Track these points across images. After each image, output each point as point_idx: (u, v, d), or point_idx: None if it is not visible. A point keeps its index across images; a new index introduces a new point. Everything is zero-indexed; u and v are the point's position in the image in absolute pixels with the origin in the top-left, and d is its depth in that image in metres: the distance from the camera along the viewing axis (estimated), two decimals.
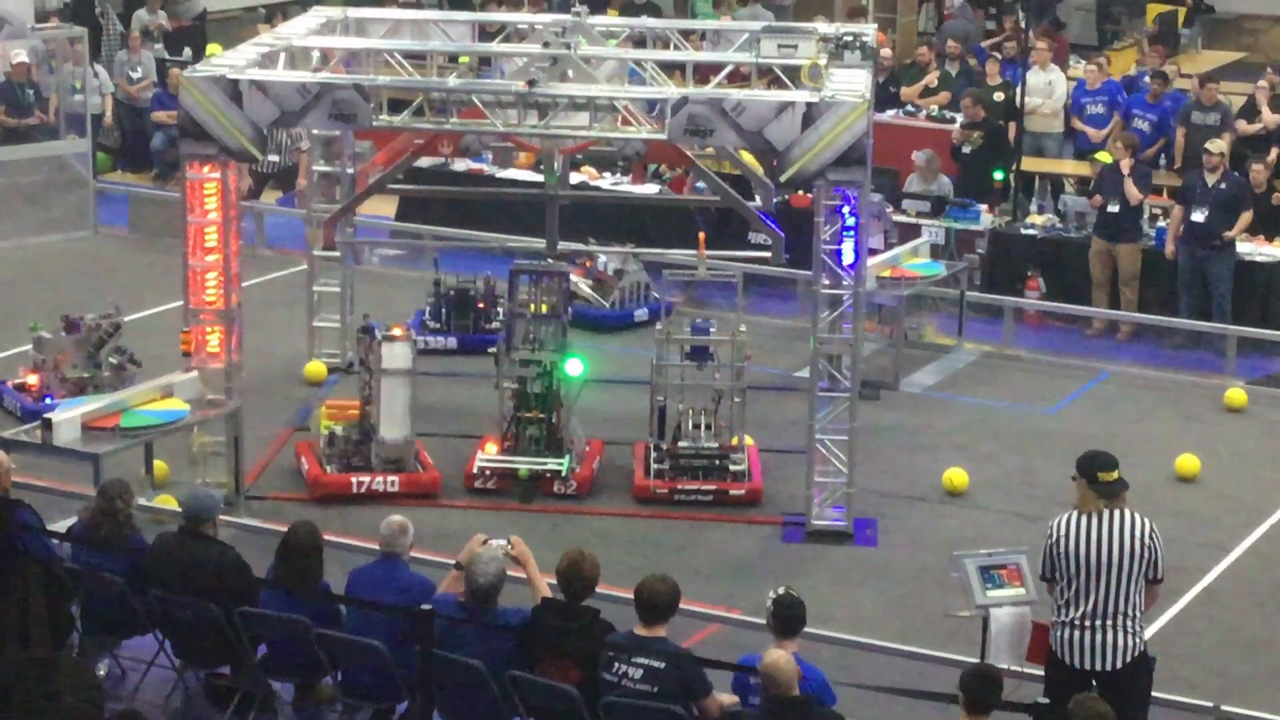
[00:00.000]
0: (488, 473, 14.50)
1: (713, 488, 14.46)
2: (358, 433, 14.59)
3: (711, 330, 14.83)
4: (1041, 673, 10.18)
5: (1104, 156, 19.12)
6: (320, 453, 14.63)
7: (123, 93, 23.44)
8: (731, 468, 14.55)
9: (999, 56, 22.51)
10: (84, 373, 15.24)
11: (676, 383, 14.75)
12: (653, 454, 14.69)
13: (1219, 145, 18.56)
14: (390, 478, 14.43)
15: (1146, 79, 21.81)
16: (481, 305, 17.66)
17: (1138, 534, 9.91)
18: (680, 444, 14.62)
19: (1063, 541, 9.93)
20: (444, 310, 17.65)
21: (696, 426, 14.69)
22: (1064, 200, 19.99)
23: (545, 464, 14.47)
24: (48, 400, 14.94)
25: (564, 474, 14.46)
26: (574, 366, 14.63)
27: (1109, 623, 9.90)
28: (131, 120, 23.59)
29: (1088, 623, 9.91)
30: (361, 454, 14.54)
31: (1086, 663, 9.93)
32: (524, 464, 14.46)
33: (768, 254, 15.83)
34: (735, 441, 14.61)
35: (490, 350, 15.29)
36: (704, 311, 16.22)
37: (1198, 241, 18.05)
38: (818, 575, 13.33)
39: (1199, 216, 18.01)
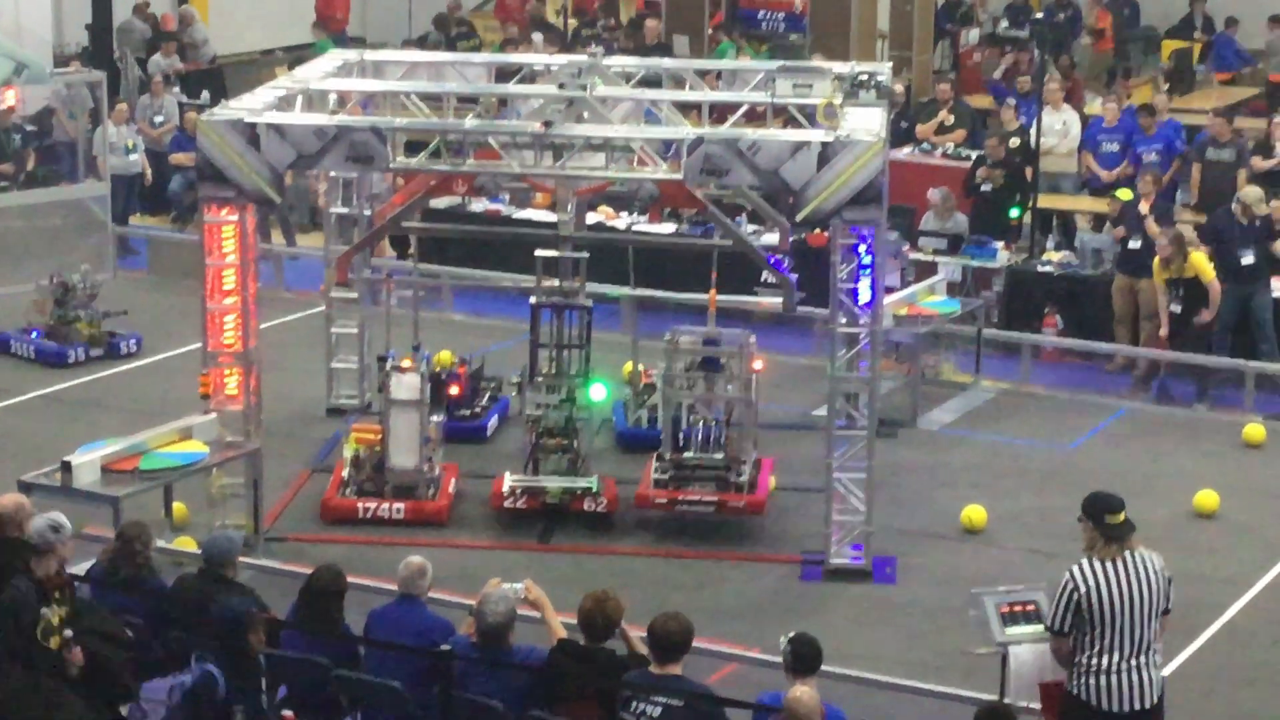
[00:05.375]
0: (518, 491, 14.51)
1: (714, 499, 14.42)
2: (376, 458, 14.70)
3: (722, 341, 14.86)
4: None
5: (1124, 194, 19.09)
6: (346, 475, 14.79)
7: (145, 137, 23.56)
8: (733, 479, 14.51)
9: (1013, 103, 22.37)
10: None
11: (686, 393, 14.75)
12: (655, 464, 14.70)
13: (1253, 194, 18.38)
14: (397, 505, 14.51)
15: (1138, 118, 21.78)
16: (458, 389, 16.18)
17: (1156, 571, 9.86)
18: (686, 454, 14.61)
19: (1094, 593, 9.74)
20: None
21: (706, 439, 14.66)
22: (1080, 237, 19.96)
23: (576, 482, 14.50)
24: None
25: (596, 491, 14.47)
26: (598, 391, 14.70)
27: (1141, 660, 9.80)
28: (153, 164, 23.76)
29: (1124, 664, 9.78)
30: (376, 480, 14.65)
31: (1126, 705, 9.79)
32: (554, 483, 14.49)
33: (779, 299, 15.79)
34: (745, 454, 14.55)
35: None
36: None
37: (1249, 281, 17.92)
38: (836, 614, 13.33)
39: (1248, 259, 17.87)
